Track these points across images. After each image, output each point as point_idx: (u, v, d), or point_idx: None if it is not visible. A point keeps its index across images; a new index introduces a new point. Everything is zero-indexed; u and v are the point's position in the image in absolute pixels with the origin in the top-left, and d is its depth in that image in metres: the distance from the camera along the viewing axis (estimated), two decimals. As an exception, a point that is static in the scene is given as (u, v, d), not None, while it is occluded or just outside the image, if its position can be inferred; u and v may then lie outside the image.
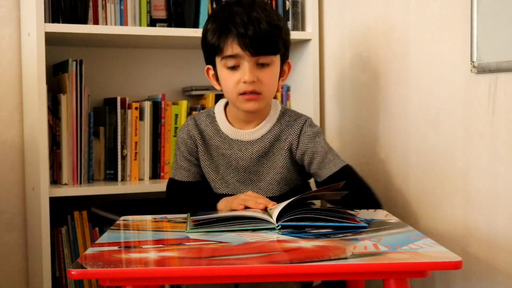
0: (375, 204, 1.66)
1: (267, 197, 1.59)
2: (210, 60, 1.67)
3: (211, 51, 1.64)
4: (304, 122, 1.69)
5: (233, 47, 1.59)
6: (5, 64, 2.15)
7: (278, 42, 1.62)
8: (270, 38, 1.59)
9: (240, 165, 1.69)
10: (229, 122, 1.70)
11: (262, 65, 1.61)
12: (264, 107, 1.66)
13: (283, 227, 1.38)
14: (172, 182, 1.77)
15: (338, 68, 2.17)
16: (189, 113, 2.21)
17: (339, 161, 1.68)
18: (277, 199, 1.57)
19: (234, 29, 1.58)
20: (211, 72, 1.69)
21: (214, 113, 1.73)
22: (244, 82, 1.59)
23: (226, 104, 1.73)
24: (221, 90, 1.68)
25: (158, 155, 2.18)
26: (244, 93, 1.61)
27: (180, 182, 1.75)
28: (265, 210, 1.50)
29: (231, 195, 1.67)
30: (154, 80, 2.35)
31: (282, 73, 1.69)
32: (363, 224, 1.40)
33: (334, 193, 1.51)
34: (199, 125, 1.72)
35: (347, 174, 1.65)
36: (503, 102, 1.52)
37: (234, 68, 1.61)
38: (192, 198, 1.74)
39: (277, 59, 1.64)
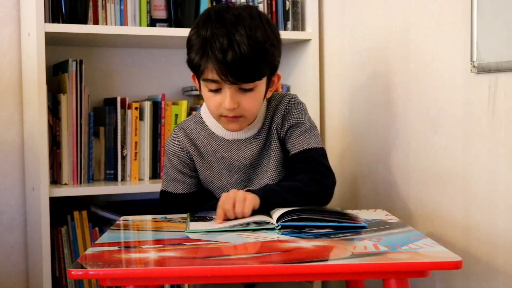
0: (324, 190, 1.56)
1: (271, 183, 1.61)
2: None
3: (193, 68, 1.56)
4: (288, 101, 1.66)
5: (213, 73, 1.50)
6: (5, 64, 2.15)
7: (262, 68, 1.52)
8: (252, 65, 1.48)
9: (242, 163, 1.65)
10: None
11: (245, 90, 1.53)
12: (247, 125, 1.62)
13: (283, 227, 1.38)
14: (166, 195, 1.70)
15: (338, 68, 2.17)
16: (189, 113, 2.21)
17: (315, 141, 1.63)
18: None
19: (212, 54, 1.47)
20: (196, 80, 1.62)
21: (201, 118, 1.67)
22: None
23: None
24: None
25: (158, 155, 2.18)
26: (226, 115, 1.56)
27: (175, 195, 1.68)
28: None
29: None
30: (154, 80, 2.35)
31: (271, 84, 1.61)
32: (363, 224, 1.40)
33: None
34: (189, 135, 1.66)
35: (315, 154, 1.61)
36: (503, 102, 1.52)
37: (215, 90, 1.54)
38: (190, 208, 1.66)
39: (262, 81, 1.55)
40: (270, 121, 1.66)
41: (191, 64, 1.55)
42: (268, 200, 1.48)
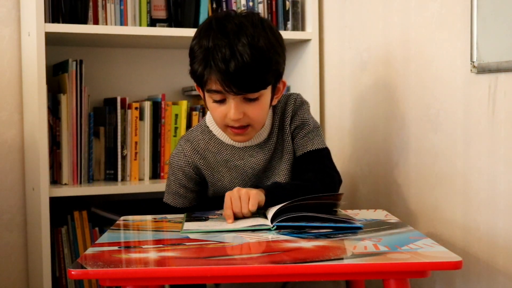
0: (329, 188, 1.57)
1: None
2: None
3: (197, 79, 1.53)
4: (294, 102, 1.65)
5: (216, 84, 1.47)
6: (5, 64, 2.15)
7: (266, 77, 1.49)
8: (256, 74, 1.46)
9: (256, 170, 1.63)
10: None
11: (250, 99, 1.50)
12: (254, 135, 1.59)
13: (282, 227, 1.38)
14: (166, 206, 1.67)
15: (338, 68, 2.17)
16: (189, 113, 2.21)
17: (318, 142, 1.64)
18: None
19: (214, 65, 1.45)
20: (200, 90, 1.59)
21: (208, 127, 1.65)
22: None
23: None
24: None
25: (158, 155, 2.18)
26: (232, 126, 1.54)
27: (174, 208, 1.66)
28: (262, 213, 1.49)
29: None
30: (154, 80, 2.35)
31: (276, 91, 1.59)
32: (358, 224, 1.39)
33: (331, 202, 1.50)
34: (197, 147, 1.63)
35: (320, 155, 1.63)
36: (503, 102, 1.52)
37: (220, 101, 1.51)
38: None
39: (267, 90, 1.53)
40: (279, 123, 1.64)
41: (195, 75, 1.52)
42: (273, 195, 1.47)
